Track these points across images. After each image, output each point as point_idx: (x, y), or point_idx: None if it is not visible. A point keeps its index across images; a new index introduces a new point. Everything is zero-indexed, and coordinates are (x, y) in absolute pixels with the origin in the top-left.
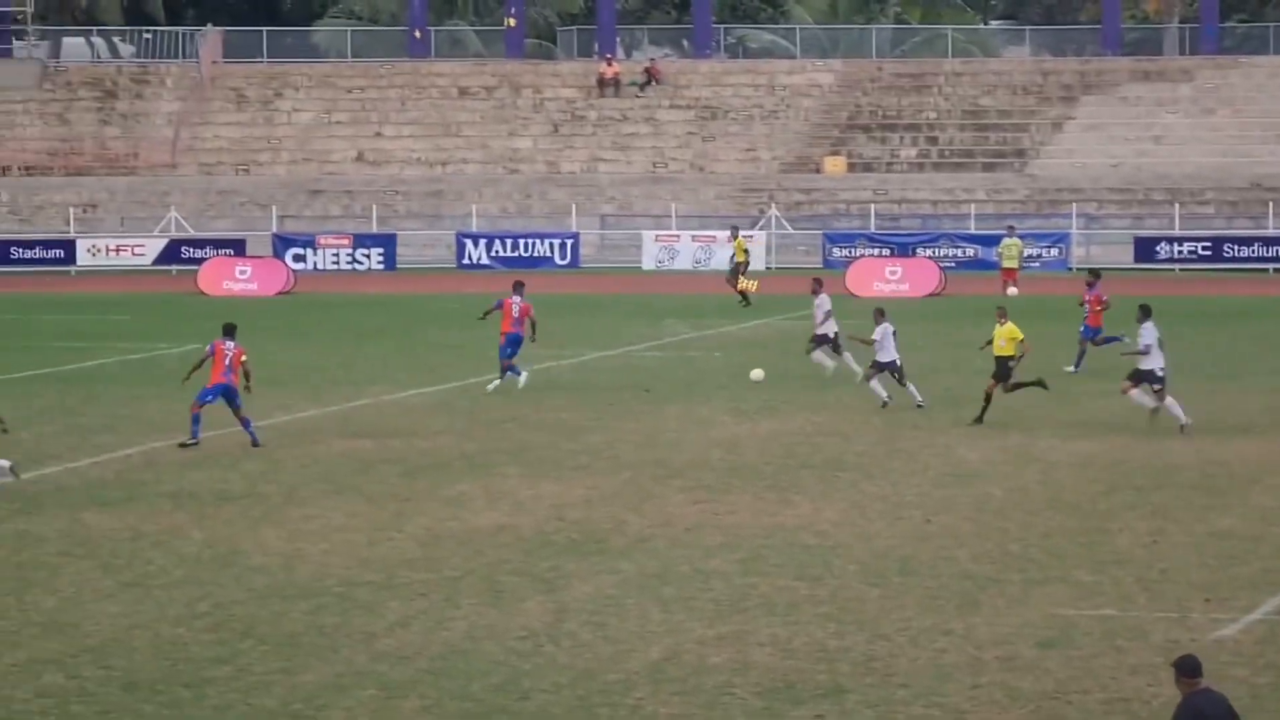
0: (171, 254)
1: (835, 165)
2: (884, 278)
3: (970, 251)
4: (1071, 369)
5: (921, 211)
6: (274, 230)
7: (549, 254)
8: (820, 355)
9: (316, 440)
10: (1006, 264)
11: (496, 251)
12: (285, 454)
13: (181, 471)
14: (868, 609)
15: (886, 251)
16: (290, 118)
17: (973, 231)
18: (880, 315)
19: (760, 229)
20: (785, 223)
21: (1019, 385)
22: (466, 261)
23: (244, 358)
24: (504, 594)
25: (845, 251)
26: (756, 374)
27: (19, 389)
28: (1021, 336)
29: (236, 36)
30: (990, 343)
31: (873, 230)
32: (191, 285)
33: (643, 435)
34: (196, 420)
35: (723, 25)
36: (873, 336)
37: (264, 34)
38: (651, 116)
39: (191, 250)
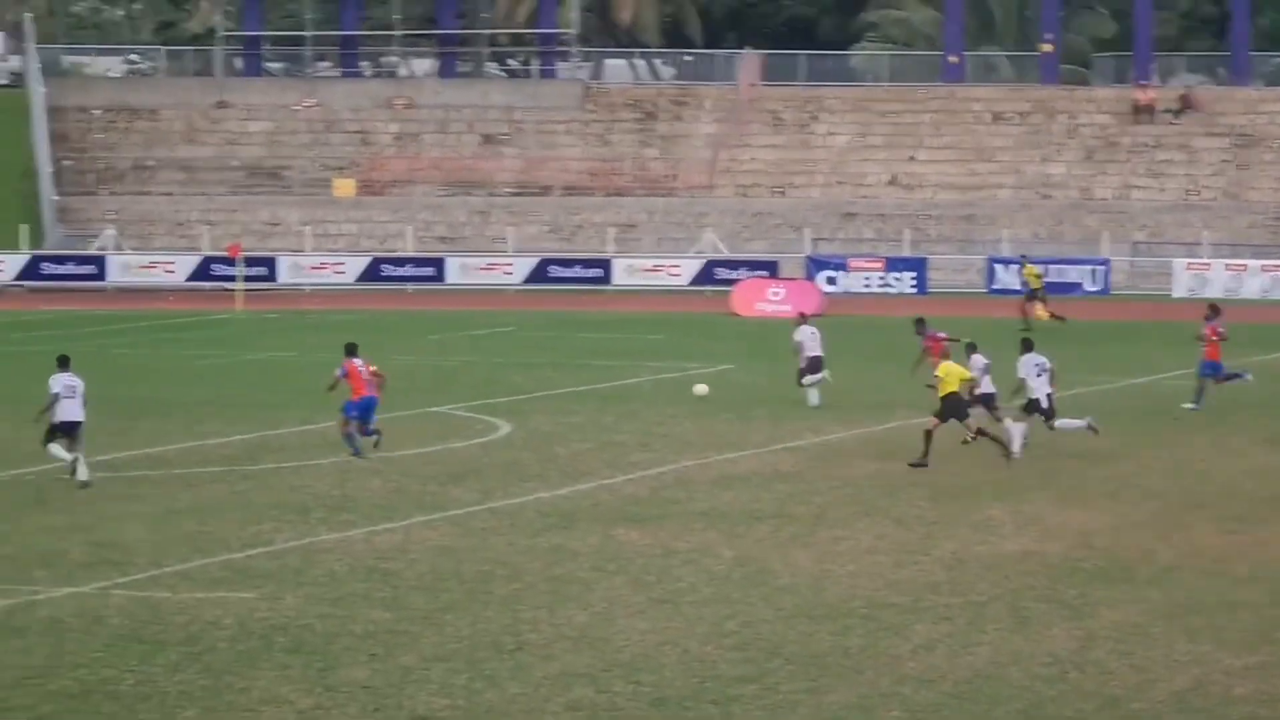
0: (706, 275)
1: None
2: None
3: None
4: (1191, 406)
5: None
6: (807, 253)
7: (1080, 280)
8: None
9: (846, 462)
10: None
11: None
12: (815, 475)
13: (713, 491)
14: None
15: None
16: (825, 140)
17: None
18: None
19: None
20: None
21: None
22: (997, 286)
23: (374, 367)
24: (1030, 620)
25: None
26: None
27: (556, 405)
28: (970, 375)
29: (774, 59)
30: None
31: None
32: (724, 306)
33: (1172, 464)
34: (350, 438)
35: (1261, 52)
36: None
37: (802, 57)
38: (1186, 144)
39: (726, 271)
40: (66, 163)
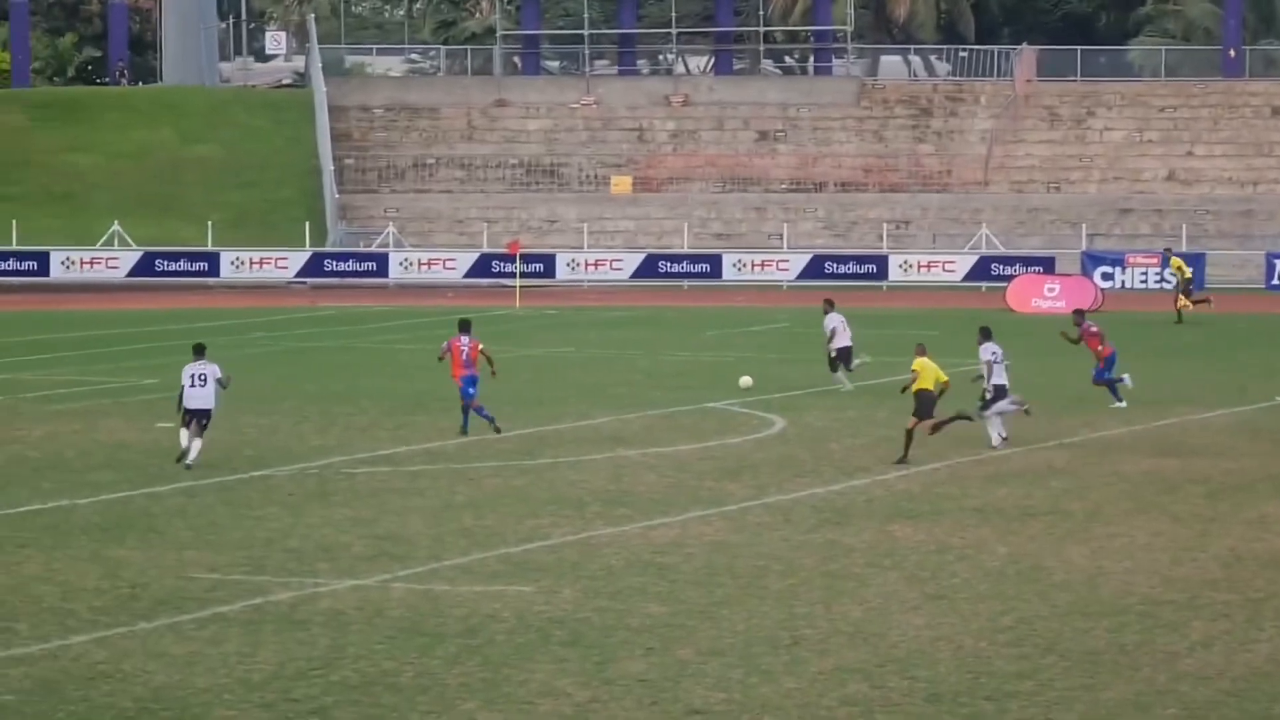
0: (981, 271)
1: None
2: None
3: None
4: None
5: None
6: (1083, 248)
7: None
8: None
9: (1122, 458)
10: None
11: None
12: (1090, 471)
13: (986, 486)
14: None
15: None
16: (1102, 136)
17: None
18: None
19: None
20: None
21: (940, 425)
22: (1275, 282)
23: (480, 347)
24: None
25: None
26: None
27: (830, 401)
28: (945, 378)
29: (1050, 55)
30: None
31: None
32: (1000, 302)
33: None
34: (466, 413)
35: None
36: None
37: (1078, 53)
38: None
39: (1001, 267)
40: (348, 161)
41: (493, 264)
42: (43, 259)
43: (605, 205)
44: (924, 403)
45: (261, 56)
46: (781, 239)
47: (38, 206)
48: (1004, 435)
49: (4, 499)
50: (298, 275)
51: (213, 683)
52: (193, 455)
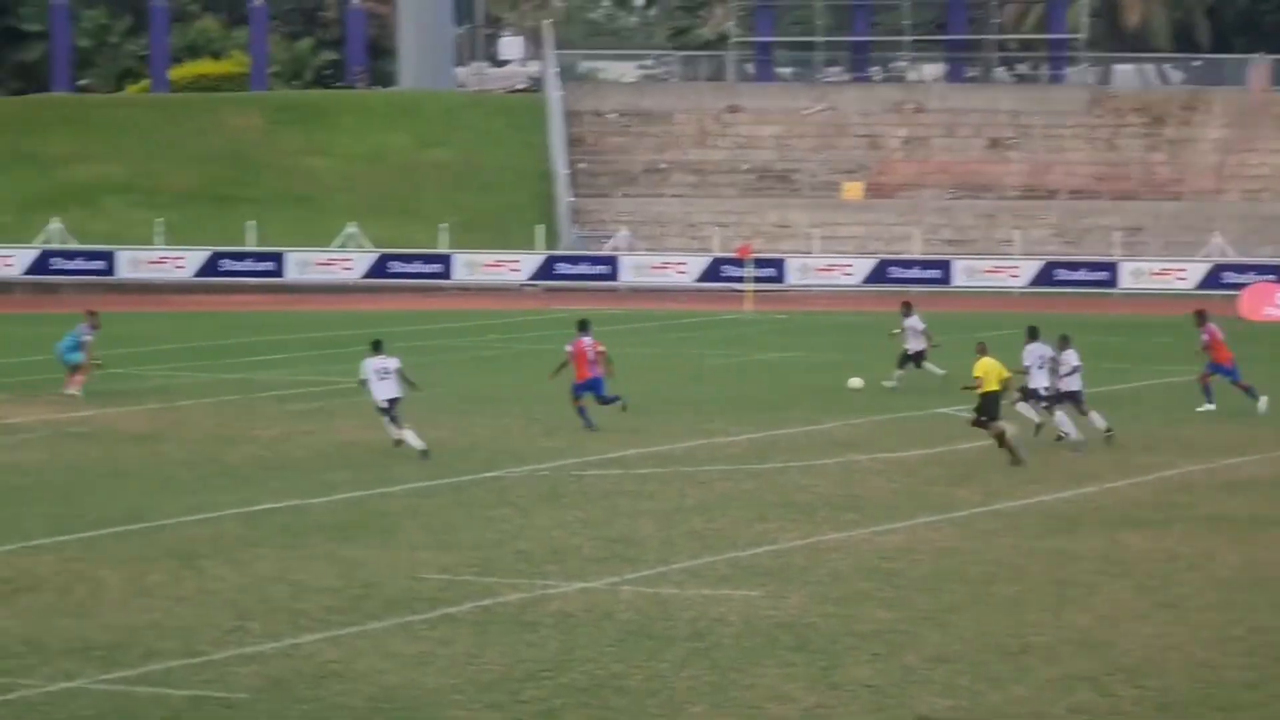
0: (1214, 279)
1: None
2: None
3: None
4: None
5: None
6: None
7: None
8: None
9: None
10: None
11: None
12: None
13: (1218, 496)
14: None
15: None
16: None
17: None
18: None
19: None
20: None
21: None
22: None
23: (601, 348)
24: None
25: None
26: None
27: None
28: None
29: None
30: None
31: None
32: (1232, 310)
33: None
34: (582, 412)
35: None
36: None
37: None
38: None
39: (1234, 276)
40: (581, 165)
41: (723, 268)
42: (279, 260)
43: (836, 211)
44: (989, 404)
45: (497, 61)
46: (1013, 245)
47: (274, 208)
48: (1068, 432)
49: (238, 498)
50: (530, 278)
51: (442, 683)
52: (413, 442)
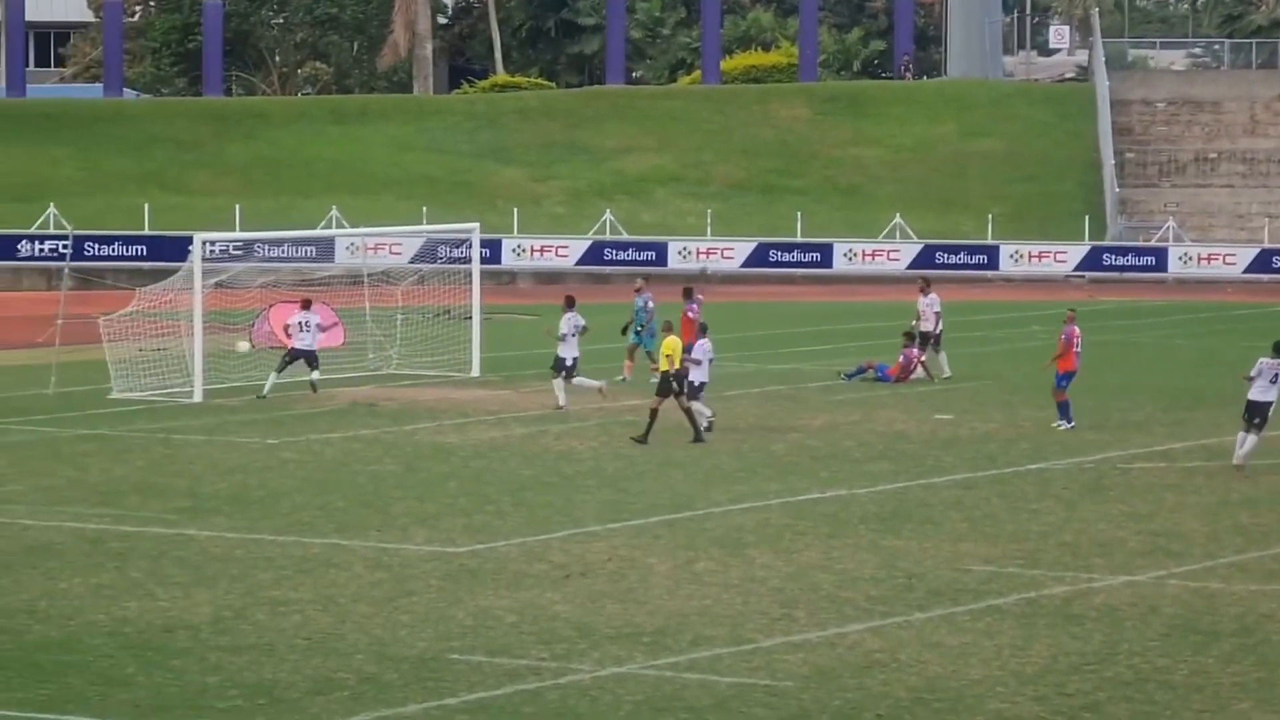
0: None
1: None
2: None
3: None
4: None
5: None
6: None
7: None
8: None
9: None
10: None
11: None
12: None
13: None
14: None
15: None
16: None
17: None
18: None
19: None
20: None
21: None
22: None
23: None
24: None
25: None
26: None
27: None
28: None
29: None
30: None
31: None
32: None
33: None
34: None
35: None
36: None
37: None
38: None
39: None
40: (1128, 155)
41: (1274, 260)
42: (826, 250)
43: None
44: (662, 382)
45: (1044, 50)
46: None
47: (822, 199)
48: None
49: (785, 487)
50: (1076, 269)
51: (986, 674)
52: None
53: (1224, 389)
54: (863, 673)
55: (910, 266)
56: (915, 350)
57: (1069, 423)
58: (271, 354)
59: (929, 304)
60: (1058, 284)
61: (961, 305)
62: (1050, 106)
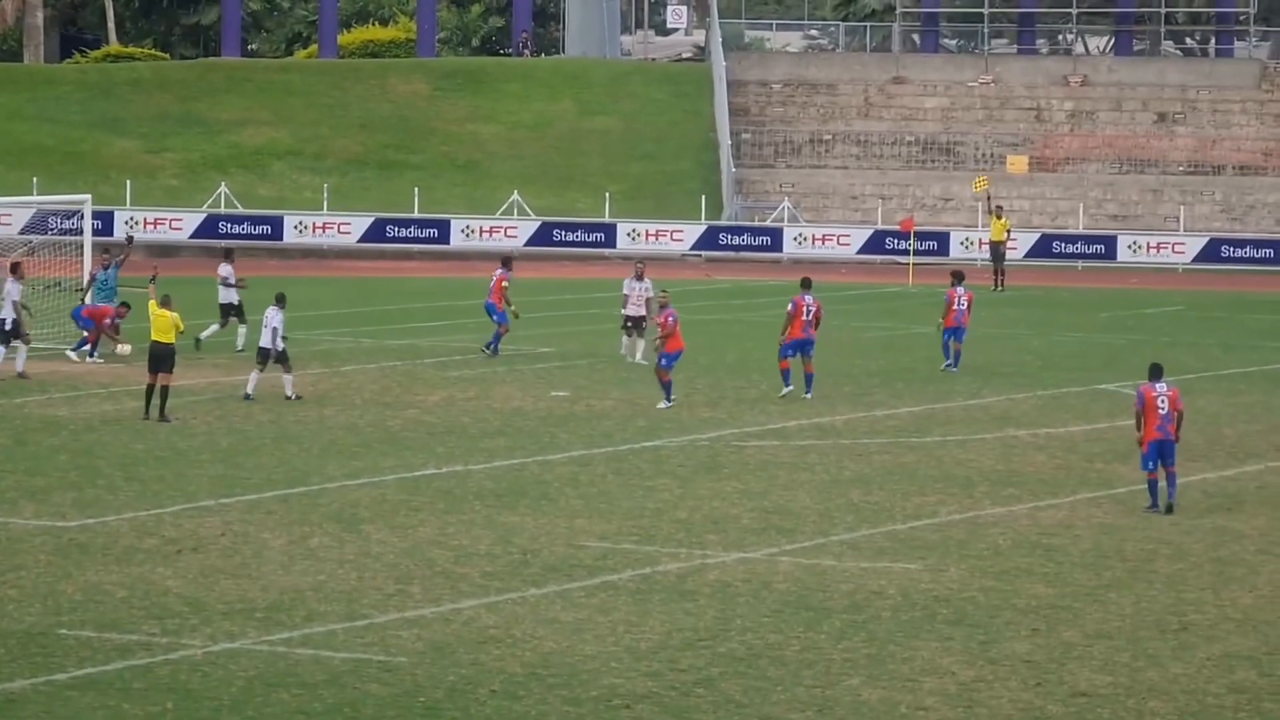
0: None
1: None
2: None
3: None
4: None
5: None
6: None
7: None
8: None
9: None
10: None
11: None
12: None
13: None
14: None
15: None
16: None
17: None
18: None
19: None
20: None
21: None
22: None
23: (819, 310)
24: None
25: None
26: None
27: (1225, 385)
28: None
29: None
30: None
31: None
32: None
33: None
34: (785, 374)
35: None
36: None
37: None
38: None
39: None
40: (745, 135)
41: (886, 241)
42: (443, 227)
43: (1001, 184)
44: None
45: (662, 30)
46: (1178, 222)
47: (440, 175)
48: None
49: (401, 462)
50: (693, 248)
51: (600, 650)
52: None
53: (835, 368)
54: (478, 648)
55: (528, 244)
56: None
57: (670, 401)
58: None
59: (644, 289)
60: (675, 263)
61: (579, 283)
62: (668, 86)
